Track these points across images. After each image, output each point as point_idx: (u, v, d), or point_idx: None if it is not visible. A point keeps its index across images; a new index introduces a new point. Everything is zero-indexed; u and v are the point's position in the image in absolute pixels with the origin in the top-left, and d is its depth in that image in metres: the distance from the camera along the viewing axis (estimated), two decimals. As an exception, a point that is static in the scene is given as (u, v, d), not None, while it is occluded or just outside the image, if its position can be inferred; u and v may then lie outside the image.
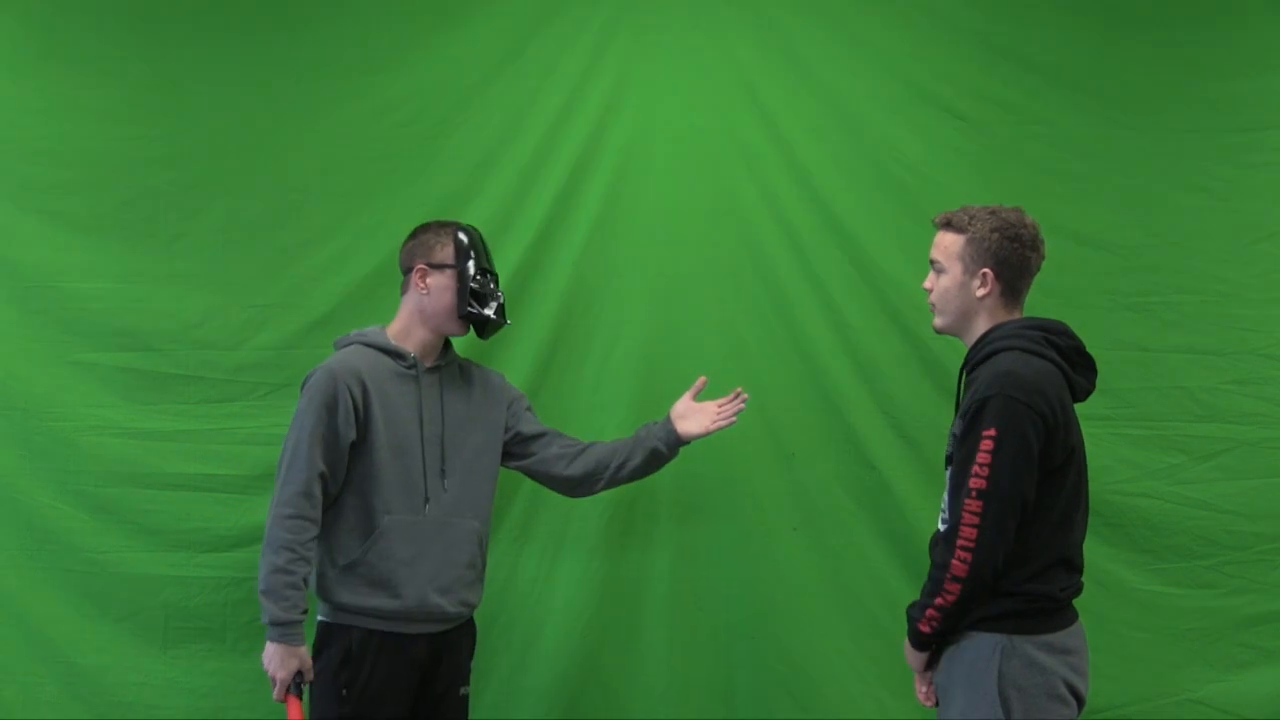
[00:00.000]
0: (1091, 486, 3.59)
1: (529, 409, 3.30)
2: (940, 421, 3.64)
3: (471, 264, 3.03)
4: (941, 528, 2.72)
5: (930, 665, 2.75)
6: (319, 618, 3.03)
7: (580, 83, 3.66)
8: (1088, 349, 2.74)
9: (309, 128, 3.62)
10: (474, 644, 3.21)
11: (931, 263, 2.75)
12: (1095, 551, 3.54)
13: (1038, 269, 2.73)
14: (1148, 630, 3.60)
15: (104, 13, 3.60)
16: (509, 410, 3.22)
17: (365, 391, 2.92)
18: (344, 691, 2.90)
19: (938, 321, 2.76)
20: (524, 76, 3.65)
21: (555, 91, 3.65)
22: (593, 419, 3.61)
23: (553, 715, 3.56)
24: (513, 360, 3.61)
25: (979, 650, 2.58)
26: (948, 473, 2.72)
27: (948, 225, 2.72)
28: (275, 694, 2.92)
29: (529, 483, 3.61)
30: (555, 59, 3.66)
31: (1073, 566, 2.66)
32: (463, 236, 3.06)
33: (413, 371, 3.00)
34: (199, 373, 3.55)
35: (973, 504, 2.51)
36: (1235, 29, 3.72)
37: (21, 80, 3.58)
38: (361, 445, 2.93)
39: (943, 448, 3.63)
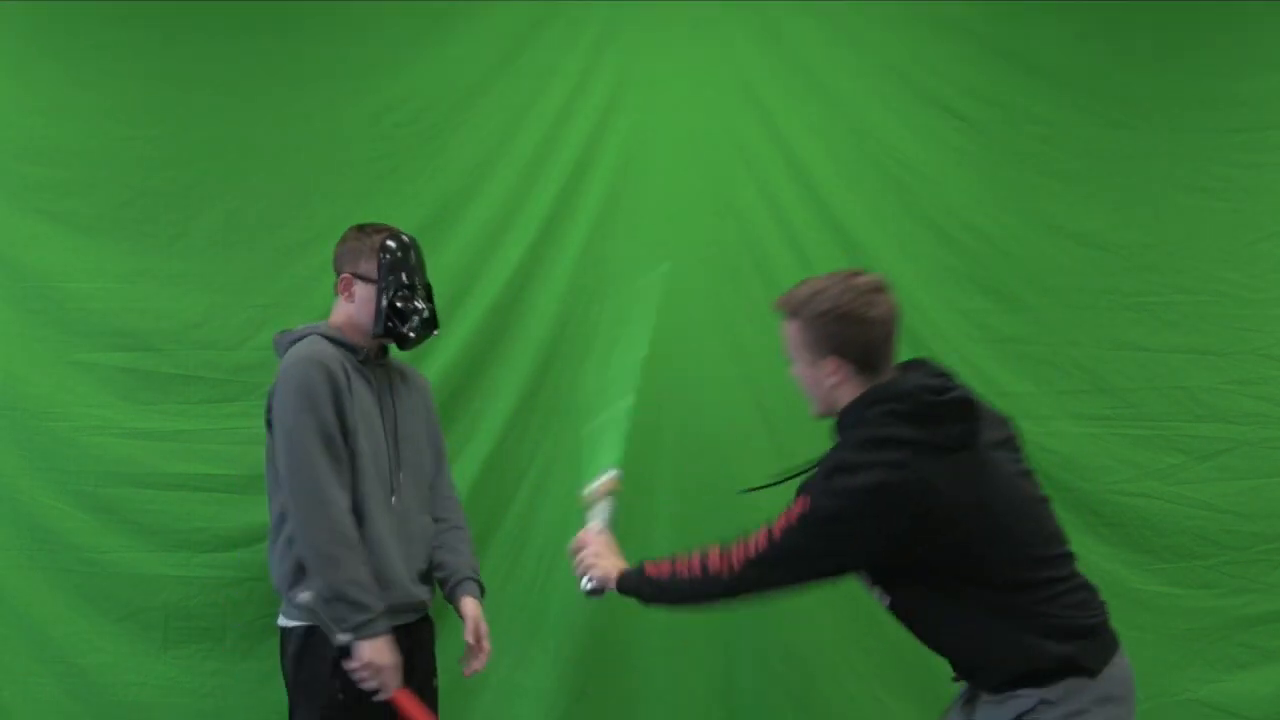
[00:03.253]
0: (1091, 486, 3.63)
1: (438, 430, 3.20)
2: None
3: (399, 276, 2.93)
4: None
5: None
6: (290, 623, 2.89)
7: (580, 83, 3.66)
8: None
9: (309, 128, 3.61)
10: (434, 636, 3.15)
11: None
12: (1095, 551, 3.55)
13: (890, 331, 2.42)
14: (1148, 630, 3.60)
15: (104, 14, 3.60)
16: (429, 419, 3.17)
17: (346, 376, 2.88)
18: (340, 697, 2.85)
19: (812, 410, 2.52)
20: (524, 77, 3.66)
21: (555, 92, 3.66)
22: (592, 418, 3.61)
23: (552, 715, 3.56)
24: (513, 360, 3.62)
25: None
26: None
27: (783, 311, 2.45)
28: (388, 685, 2.79)
29: (528, 482, 3.62)
30: (555, 59, 3.66)
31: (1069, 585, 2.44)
32: (390, 246, 2.95)
33: (366, 366, 2.96)
34: (199, 373, 3.55)
35: (759, 535, 2.35)
36: (1235, 29, 3.72)
37: (22, 80, 3.57)
38: (346, 431, 2.87)
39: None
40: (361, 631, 2.75)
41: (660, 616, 3.60)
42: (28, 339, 3.53)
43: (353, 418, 2.87)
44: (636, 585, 2.54)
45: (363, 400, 2.92)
